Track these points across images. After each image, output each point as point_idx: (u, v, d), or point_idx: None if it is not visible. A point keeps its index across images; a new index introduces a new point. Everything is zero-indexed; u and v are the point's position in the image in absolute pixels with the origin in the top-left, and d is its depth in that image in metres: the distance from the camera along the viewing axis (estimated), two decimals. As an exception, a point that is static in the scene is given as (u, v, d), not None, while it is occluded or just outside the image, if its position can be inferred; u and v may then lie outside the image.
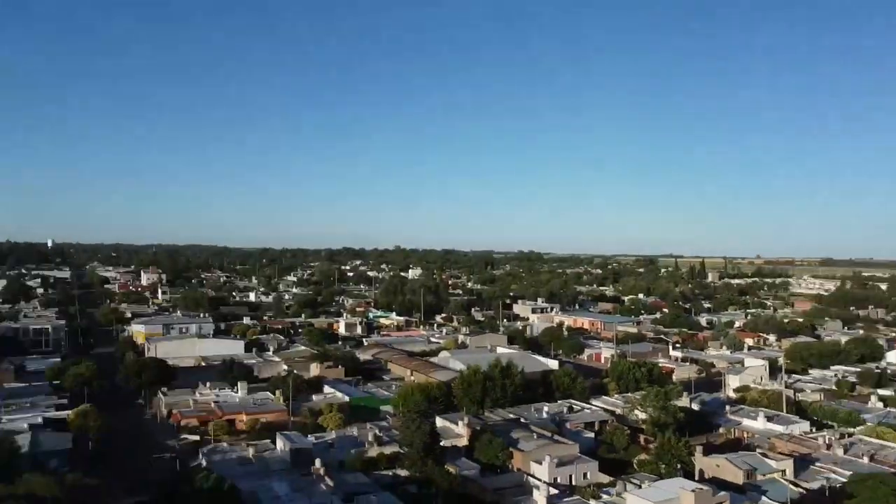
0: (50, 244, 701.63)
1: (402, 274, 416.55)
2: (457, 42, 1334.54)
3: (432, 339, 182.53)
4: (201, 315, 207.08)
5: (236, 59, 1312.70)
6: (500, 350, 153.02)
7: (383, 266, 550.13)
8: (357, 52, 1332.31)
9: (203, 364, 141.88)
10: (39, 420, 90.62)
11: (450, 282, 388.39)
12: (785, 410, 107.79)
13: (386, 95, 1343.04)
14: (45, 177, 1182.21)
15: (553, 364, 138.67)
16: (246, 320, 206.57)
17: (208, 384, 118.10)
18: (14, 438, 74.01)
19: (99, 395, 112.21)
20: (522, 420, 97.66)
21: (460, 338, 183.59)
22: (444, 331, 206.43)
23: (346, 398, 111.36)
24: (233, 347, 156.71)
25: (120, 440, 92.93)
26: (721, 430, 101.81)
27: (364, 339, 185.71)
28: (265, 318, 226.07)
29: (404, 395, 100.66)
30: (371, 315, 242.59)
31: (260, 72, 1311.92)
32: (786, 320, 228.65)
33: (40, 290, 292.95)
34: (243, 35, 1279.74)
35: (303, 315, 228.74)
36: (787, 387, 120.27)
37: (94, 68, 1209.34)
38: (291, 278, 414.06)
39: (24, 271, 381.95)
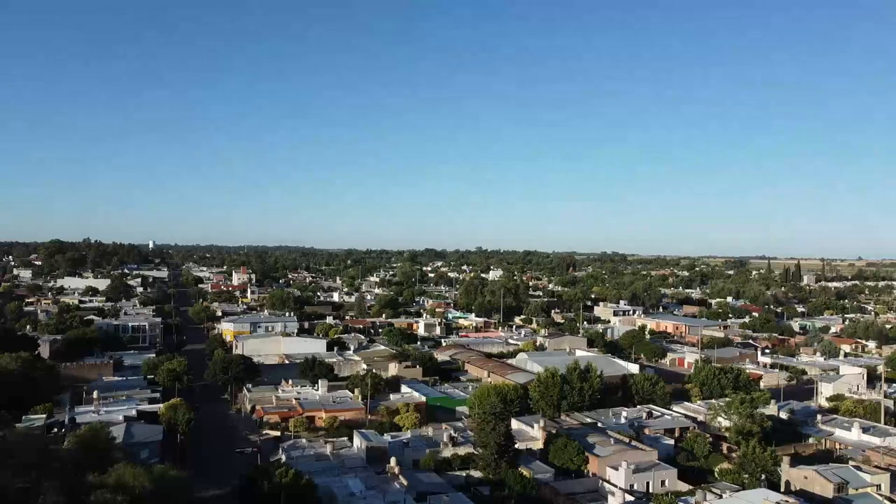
0: (151, 245, 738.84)
1: (483, 275, 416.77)
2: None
3: (510, 341, 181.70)
4: (287, 314, 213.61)
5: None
6: (579, 353, 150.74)
7: (464, 267, 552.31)
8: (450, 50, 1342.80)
9: (286, 361, 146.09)
10: (133, 412, 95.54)
11: (530, 283, 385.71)
12: (883, 421, 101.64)
13: (478, 100, 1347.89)
14: (147, 182, 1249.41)
15: (633, 368, 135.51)
16: (329, 320, 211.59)
17: (290, 381, 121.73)
18: (110, 430, 78.21)
19: (189, 389, 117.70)
20: (600, 425, 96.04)
21: (539, 340, 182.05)
22: (523, 332, 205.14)
23: (423, 398, 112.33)
24: (315, 346, 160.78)
25: (206, 433, 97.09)
26: (811, 440, 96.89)
27: (442, 340, 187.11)
28: (347, 317, 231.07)
29: (480, 397, 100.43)
30: (450, 316, 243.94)
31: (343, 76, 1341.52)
32: (888, 326, 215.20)
33: (140, 289, 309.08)
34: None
35: (383, 315, 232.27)
36: (886, 396, 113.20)
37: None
38: (374, 279, 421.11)
39: (126, 271, 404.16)
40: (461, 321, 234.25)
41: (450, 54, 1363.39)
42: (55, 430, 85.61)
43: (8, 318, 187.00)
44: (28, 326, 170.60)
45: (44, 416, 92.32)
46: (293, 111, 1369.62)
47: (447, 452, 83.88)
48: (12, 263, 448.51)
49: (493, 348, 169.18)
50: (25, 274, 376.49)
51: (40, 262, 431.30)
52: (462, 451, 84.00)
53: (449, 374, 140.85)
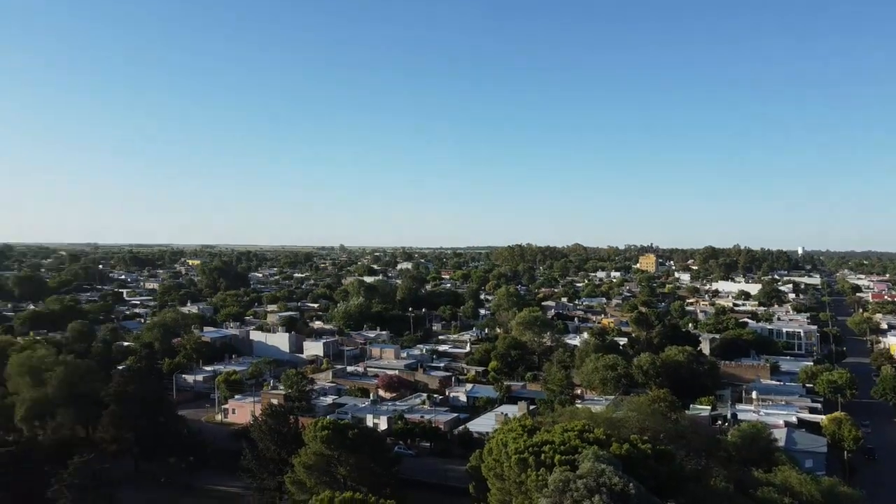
0: (800, 252, 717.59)
1: None
2: None
3: None
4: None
5: None
6: None
7: None
8: None
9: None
10: (794, 419, 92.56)
11: None
12: None
13: None
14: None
15: None
16: None
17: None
18: (771, 431, 77.46)
19: (853, 404, 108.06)
20: None
21: None
22: None
23: None
24: None
25: (881, 456, 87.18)
26: None
27: None
28: None
29: None
30: None
31: None
32: None
33: (791, 295, 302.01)
34: None
35: None
36: None
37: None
38: None
39: (776, 277, 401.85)
40: None
41: None
42: (719, 422, 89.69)
43: (673, 316, 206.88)
44: (690, 324, 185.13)
45: (708, 407, 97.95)
46: None
47: None
48: (673, 267, 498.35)
49: None
50: (684, 277, 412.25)
51: (696, 267, 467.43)
52: None
53: None
